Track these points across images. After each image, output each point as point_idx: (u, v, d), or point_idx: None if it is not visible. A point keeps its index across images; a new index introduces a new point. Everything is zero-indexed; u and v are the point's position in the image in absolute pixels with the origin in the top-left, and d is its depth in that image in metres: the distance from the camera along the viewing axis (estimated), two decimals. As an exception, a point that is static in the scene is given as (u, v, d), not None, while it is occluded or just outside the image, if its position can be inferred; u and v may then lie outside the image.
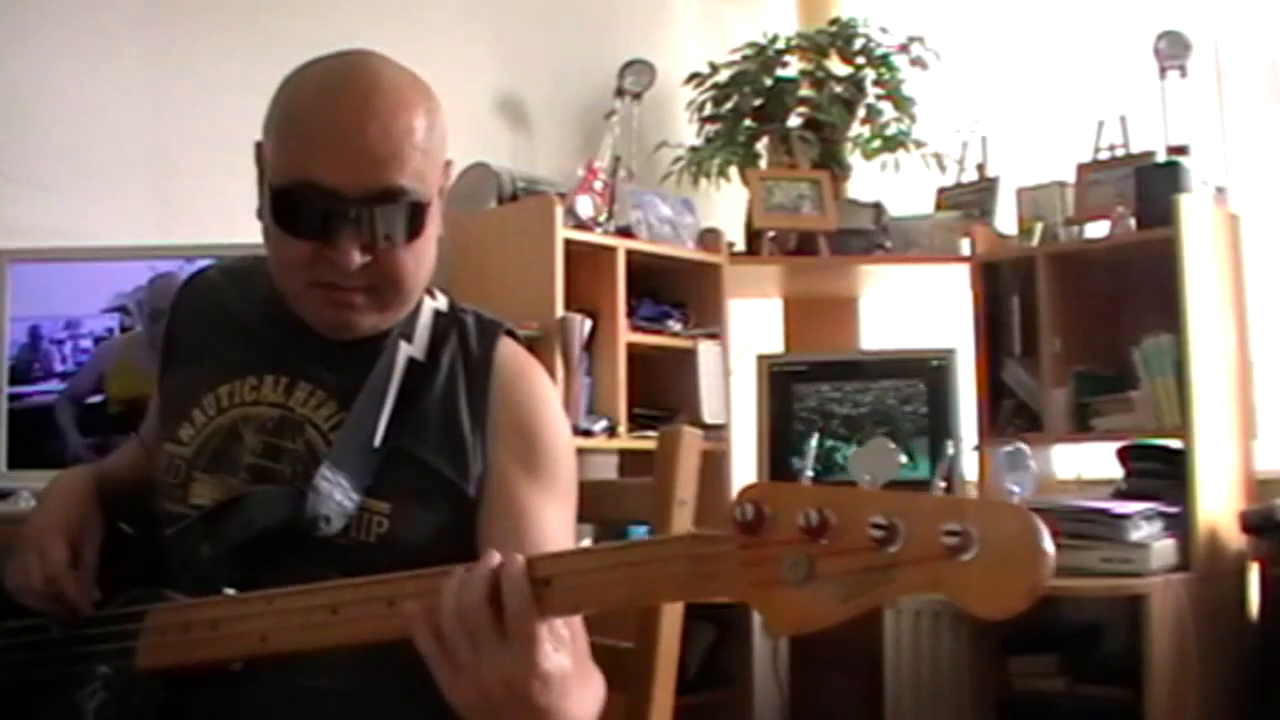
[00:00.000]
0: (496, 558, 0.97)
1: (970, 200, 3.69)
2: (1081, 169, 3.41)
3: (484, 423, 1.28)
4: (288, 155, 1.21)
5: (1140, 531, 2.90)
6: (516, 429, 1.28)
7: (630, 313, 3.33)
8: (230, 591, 1.14)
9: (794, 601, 0.86)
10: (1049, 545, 0.80)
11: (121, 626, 1.18)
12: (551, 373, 3.09)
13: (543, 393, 1.33)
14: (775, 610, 0.87)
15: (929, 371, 3.46)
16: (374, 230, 1.19)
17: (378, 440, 1.24)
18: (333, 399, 1.28)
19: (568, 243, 3.17)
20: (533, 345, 3.08)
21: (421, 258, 1.25)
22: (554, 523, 1.24)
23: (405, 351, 1.29)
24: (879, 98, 3.79)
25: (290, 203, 1.20)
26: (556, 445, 1.30)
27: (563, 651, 0.97)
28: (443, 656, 0.96)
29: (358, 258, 1.19)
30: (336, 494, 1.20)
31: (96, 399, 2.39)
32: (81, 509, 1.30)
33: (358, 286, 1.23)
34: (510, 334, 1.36)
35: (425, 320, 1.33)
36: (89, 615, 1.22)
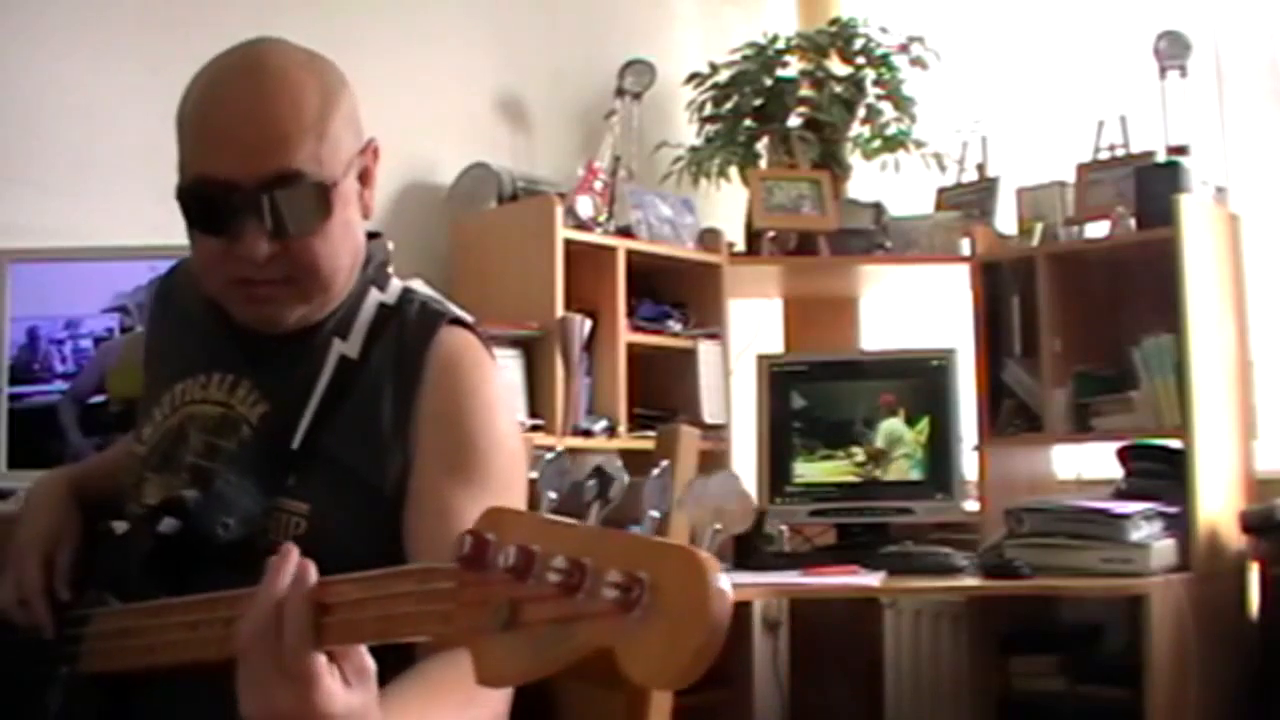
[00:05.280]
0: (286, 580, 0.90)
1: (970, 200, 3.69)
2: (1081, 169, 3.41)
3: (408, 418, 1.22)
4: (185, 155, 1.22)
5: (1140, 531, 2.90)
6: (443, 423, 1.23)
7: (630, 313, 3.33)
8: (114, 602, 1.17)
9: (494, 652, 0.75)
10: (719, 603, 0.68)
11: (74, 630, 1.19)
12: (552, 373, 3.09)
13: (475, 383, 1.26)
14: (481, 659, 0.76)
15: (929, 371, 3.46)
16: (275, 217, 1.16)
17: (296, 441, 1.22)
18: (266, 398, 1.27)
19: (568, 243, 3.17)
20: (532, 345, 3.12)
21: (336, 243, 1.22)
22: None
23: (338, 349, 1.26)
24: (879, 98, 3.79)
25: (192, 201, 1.20)
26: (486, 439, 1.23)
27: (359, 688, 0.90)
28: (241, 674, 0.91)
29: (265, 247, 1.17)
30: (243, 498, 1.18)
31: (99, 399, 2.40)
32: (55, 515, 1.31)
33: (273, 279, 1.20)
34: (459, 323, 1.30)
35: (366, 314, 1.29)
36: (48, 637, 1.23)
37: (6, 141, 2.67)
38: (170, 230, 2.71)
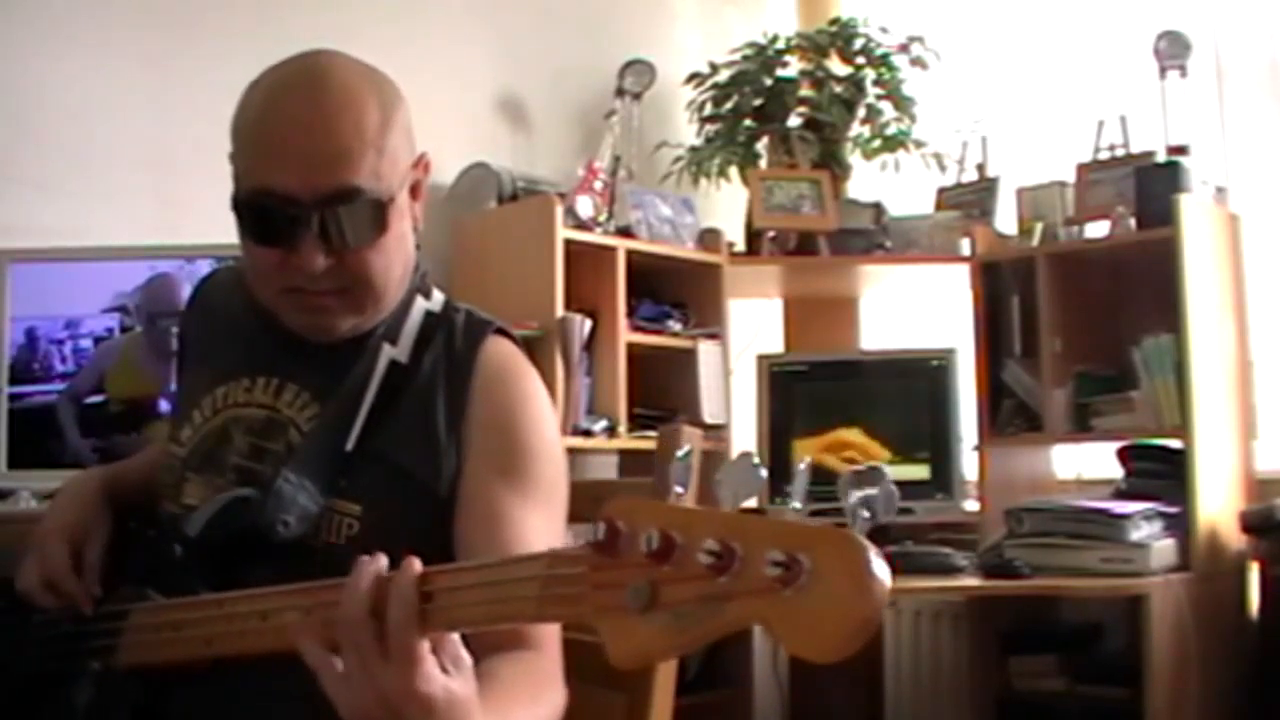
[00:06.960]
0: (384, 564, 0.95)
1: (970, 200, 3.69)
2: (1081, 169, 3.41)
3: (461, 422, 1.25)
4: (244, 165, 1.22)
5: (1140, 531, 2.90)
6: (494, 429, 1.25)
7: (630, 313, 3.34)
8: (155, 597, 1.16)
9: (633, 631, 0.79)
10: (879, 584, 0.72)
11: (109, 624, 1.19)
12: (552, 372, 3.09)
13: (525, 391, 1.29)
14: (614, 639, 0.80)
15: (929, 371, 3.46)
16: (334, 232, 1.18)
17: (350, 443, 1.23)
18: (316, 401, 1.28)
19: (568, 243, 3.17)
20: (532, 345, 3.11)
21: (390, 256, 1.24)
22: (533, 526, 1.21)
23: (388, 354, 1.28)
24: (879, 98, 3.79)
25: (250, 212, 1.20)
26: (537, 446, 1.26)
27: (459, 676, 0.93)
28: (326, 665, 0.94)
29: (321, 261, 1.19)
30: (301, 497, 1.19)
31: (97, 399, 2.40)
32: (84, 511, 1.31)
33: (328, 290, 1.22)
34: (502, 333, 1.33)
35: (414, 322, 1.31)
36: (88, 613, 1.23)
37: (6, 141, 2.67)
38: (170, 230, 2.73)
